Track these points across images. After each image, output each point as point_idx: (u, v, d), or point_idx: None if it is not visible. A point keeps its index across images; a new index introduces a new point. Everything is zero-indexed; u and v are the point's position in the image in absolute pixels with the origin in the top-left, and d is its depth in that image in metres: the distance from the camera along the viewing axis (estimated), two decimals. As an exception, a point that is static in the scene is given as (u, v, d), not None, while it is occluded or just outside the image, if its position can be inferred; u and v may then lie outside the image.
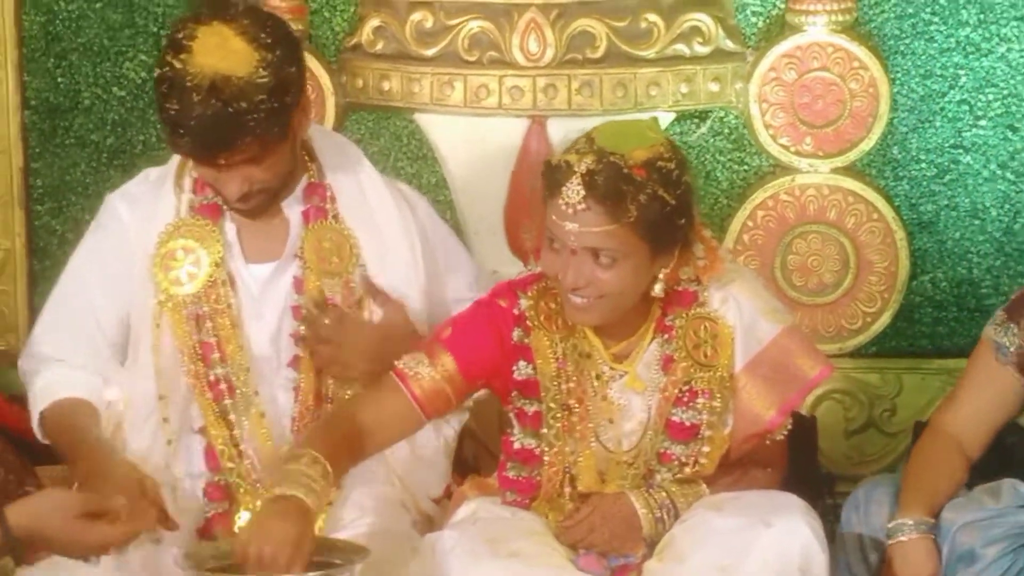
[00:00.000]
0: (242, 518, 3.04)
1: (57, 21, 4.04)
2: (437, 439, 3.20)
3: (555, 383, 2.90)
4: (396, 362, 2.92)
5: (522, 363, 2.92)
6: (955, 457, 3.15)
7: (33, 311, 4.07)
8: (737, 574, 2.75)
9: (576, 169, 2.74)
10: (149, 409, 3.06)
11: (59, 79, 4.06)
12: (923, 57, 4.00)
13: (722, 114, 4.04)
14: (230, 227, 3.10)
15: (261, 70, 2.88)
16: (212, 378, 3.04)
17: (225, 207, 3.09)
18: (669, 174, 2.78)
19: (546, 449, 2.91)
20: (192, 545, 2.84)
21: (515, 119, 3.94)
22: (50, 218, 4.11)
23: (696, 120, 4.03)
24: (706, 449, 2.91)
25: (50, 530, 2.49)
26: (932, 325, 4.07)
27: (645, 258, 2.81)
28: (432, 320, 3.15)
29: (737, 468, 2.99)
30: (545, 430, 2.91)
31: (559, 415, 2.90)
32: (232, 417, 3.04)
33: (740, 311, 2.92)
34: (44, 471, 3.32)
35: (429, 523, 3.15)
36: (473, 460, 3.39)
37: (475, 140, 3.99)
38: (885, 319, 4.05)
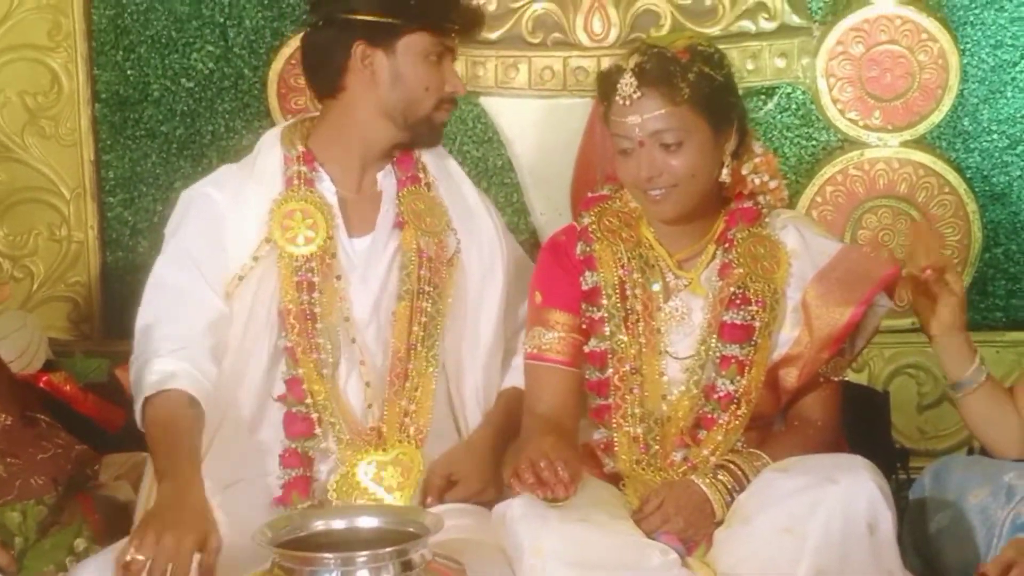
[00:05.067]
0: (364, 471, 3.05)
1: (125, 14, 4.09)
2: None
3: (617, 290, 3.02)
4: (525, 349, 3.08)
5: (588, 273, 3.05)
6: None
7: (106, 301, 4.12)
8: (803, 533, 2.73)
9: (626, 66, 2.96)
10: (235, 380, 3.05)
11: (128, 71, 4.11)
12: (993, 27, 3.97)
13: (789, 90, 4.02)
14: (331, 198, 3.11)
15: None
16: (317, 340, 3.04)
17: (318, 183, 3.11)
18: (711, 56, 2.99)
19: (614, 349, 3.01)
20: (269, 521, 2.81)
21: (580, 100, 3.93)
22: (122, 209, 4.15)
23: (763, 96, 4.01)
24: (757, 357, 2.98)
25: None
26: (1006, 298, 4.03)
27: (708, 136, 2.96)
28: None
29: (788, 427, 3.06)
30: (609, 333, 3.02)
31: (620, 322, 3.01)
32: (330, 385, 3.04)
33: (801, 235, 3.06)
34: (111, 459, 3.36)
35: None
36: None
37: (540, 122, 3.99)
38: (959, 293, 4.01)
